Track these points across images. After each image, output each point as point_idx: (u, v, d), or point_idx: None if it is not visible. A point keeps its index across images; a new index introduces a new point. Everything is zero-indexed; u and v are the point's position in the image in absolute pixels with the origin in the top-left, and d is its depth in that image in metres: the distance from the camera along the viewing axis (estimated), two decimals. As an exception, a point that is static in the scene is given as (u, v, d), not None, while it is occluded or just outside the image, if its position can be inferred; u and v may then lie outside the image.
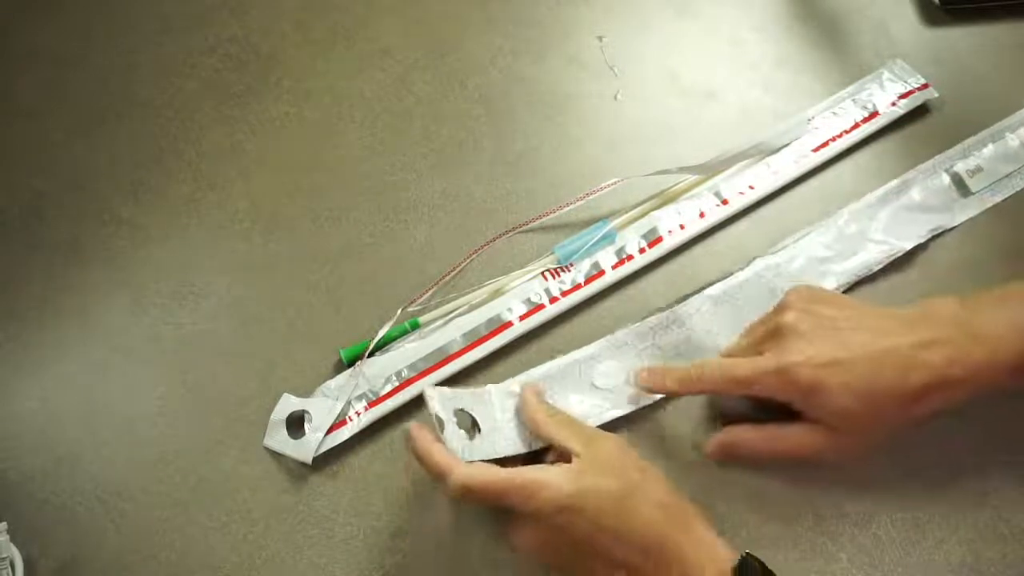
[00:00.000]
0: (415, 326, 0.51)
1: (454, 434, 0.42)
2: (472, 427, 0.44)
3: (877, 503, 0.45)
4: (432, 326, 0.51)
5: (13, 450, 0.48)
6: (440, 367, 0.49)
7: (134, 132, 0.58)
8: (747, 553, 0.39)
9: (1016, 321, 0.40)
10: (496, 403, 0.46)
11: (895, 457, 0.46)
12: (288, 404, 0.48)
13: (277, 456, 0.47)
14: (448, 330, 0.50)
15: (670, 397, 0.47)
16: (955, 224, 0.53)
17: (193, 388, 0.50)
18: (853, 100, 0.58)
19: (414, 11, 0.64)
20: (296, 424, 0.48)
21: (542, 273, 0.52)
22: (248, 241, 0.54)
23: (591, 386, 0.48)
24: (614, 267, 0.52)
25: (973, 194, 0.54)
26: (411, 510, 0.46)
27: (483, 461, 0.41)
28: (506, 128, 0.58)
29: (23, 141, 0.58)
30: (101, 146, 0.58)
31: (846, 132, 0.57)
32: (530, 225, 0.54)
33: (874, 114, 0.58)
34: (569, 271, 0.52)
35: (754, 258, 0.52)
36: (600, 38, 0.63)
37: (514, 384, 0.47)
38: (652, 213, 0.54)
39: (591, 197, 0.54)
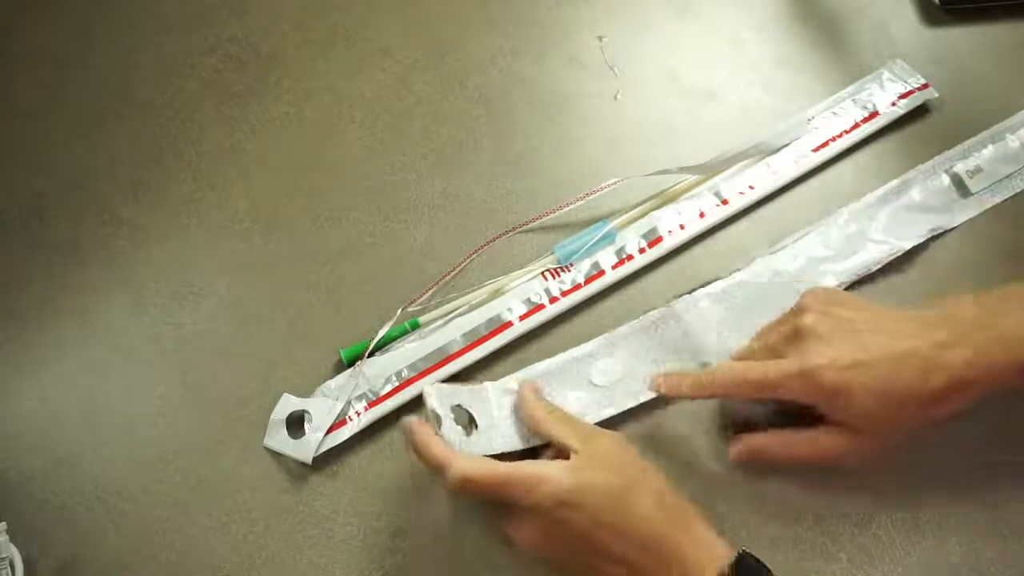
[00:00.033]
0: (415, 326, 0.51)
1: (451, 430, 0.43)
2: (469, 423, 0.44)
3: (877, 503, 0.45)
4: (432, 326, 0.51)
5: (13, 450, 0.48)
6: (440, 367, 0.49)
7: (134, 132, 0.58)
8: (744, 550, 0.39)
9: None
10: (493, 400, 0.46)
11: (895, 458, 0.46)
12: (288, 404, 0.48)
13: (277, 456, 0.47)
14: (448, 330, 0.50)
15: (676, 400, 0.47)
16: (955, 225, 0.53)
17: (193, 388, 0.50)
18: (853, 100, 0.58)
19: (414, 11, 0.64)
20: (296, 424, 0.48)
21: (542, 273, 0.52)
22: (248, 241, 0.54)
23: (589, 383, 0.48)
24: (614, 267, 0.52)
25: (973, 195, 0.54)
26: (411, 504, 0.46)
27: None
28: (506, 128, 0.58)
29: (23, 141, 0.58)
30: (101, 146, 0.58)
31: (846, 132, 0.57)
32: (530, 225, 0.54)
33: (874, 114, 0.58)
34: (569, 271, 0.52)
35: (753, 257, 0.52)
36: (600, 38, 0.63)
37: (511, 381, 0.47)
38: (652, 213, 0.54)
39: (591, 197, 0.54)
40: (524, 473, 0.39)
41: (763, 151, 0.56)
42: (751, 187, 0.55)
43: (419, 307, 0.51)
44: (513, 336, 0.50)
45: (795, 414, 0.44)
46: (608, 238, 0.53)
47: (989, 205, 0.54)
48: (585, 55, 0.62)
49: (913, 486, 0.45)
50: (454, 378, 0.49)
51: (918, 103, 0.58)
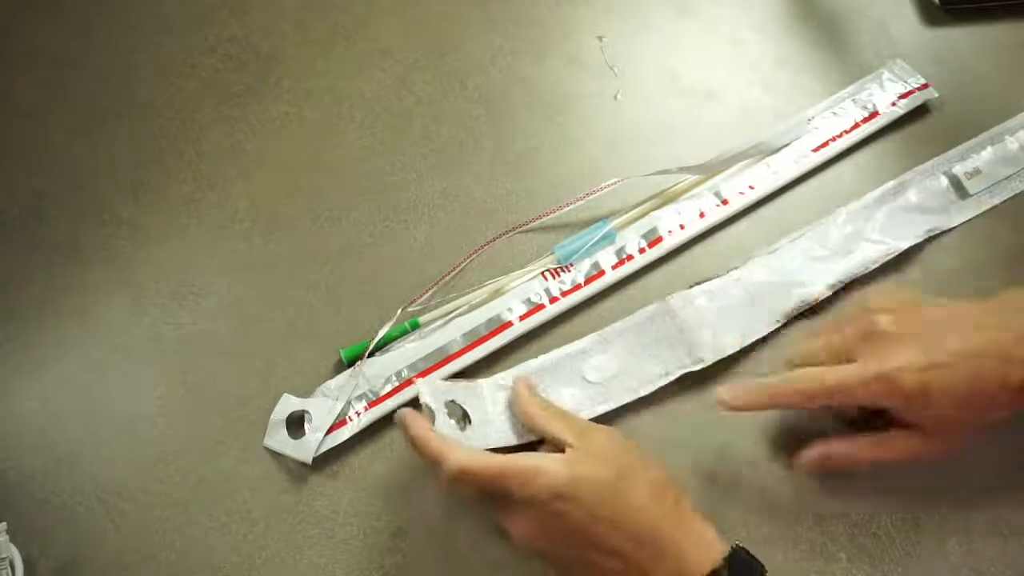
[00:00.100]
0: (415, 326, 0.51)
1: (444, 424, 0.43)
2: (463, 419, 0.44)
3: (877, 503, 0.45)
4: (432, 326, 0.51)
5: (13, 450, 0.48)
6: (440, 367, 0.49)
7: (134, 132, 0.58)
8: (737, 545, 0.39)
9: None
10: (487, 396, 0.46)
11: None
12: (288, 404, 0.48)
13: (277, 456, 0.47)
14: (448, 330, 0.50)
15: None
16: (952, 226, 0.53)
17: (193, 388, 0.50)
18: (853, 100, 0.58)
19: (414, 11, 0.64)
20: (296, 424, 0.48)
21: (542, 273, 0.52)
22: (248, 241, 0.54)
23: (583, 380, 0.48)
24: (614, 267, 0.52)
25: (971, 196, 0.54)
26: (407, 497, 0.46)
27: None
28: (506, 128, 0.58)
29: (23, 141, 0.58)
30: (101, 146, 0.58)
31: (846, 132, 0.57)
32: (530, 225, 0.54)
33: (874, 114, 0.58)
34: (569, 271, 0.52)
35: (751, 257, 0.52)
36: (600, 38, 0.63)
37: (506, 377, 0.47)
38: (652, 213, 0.54)
39: (591, 197, 0.54)
40: (520, 465, 0.39)
41: (763, 151, 0.56)
42: (751, 187, 0.55)
43: (419, 307, 0.51)
44: (513, 336, 0.50)
45: (853, 417, 0.44)
46: (608, 238, 0.53)
47: (987, 207, 0.54)
48: (585, 55, 0.62)
49: (913, 486, 0.45)
50: (454, 378, 0.49)
51: (918, 103, 0.58)
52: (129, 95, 0.60)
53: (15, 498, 0.46)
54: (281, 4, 0.64)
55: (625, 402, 0.47)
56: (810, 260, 0.52)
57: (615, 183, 0.54)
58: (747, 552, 0.39)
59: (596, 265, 0.52)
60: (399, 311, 0.51)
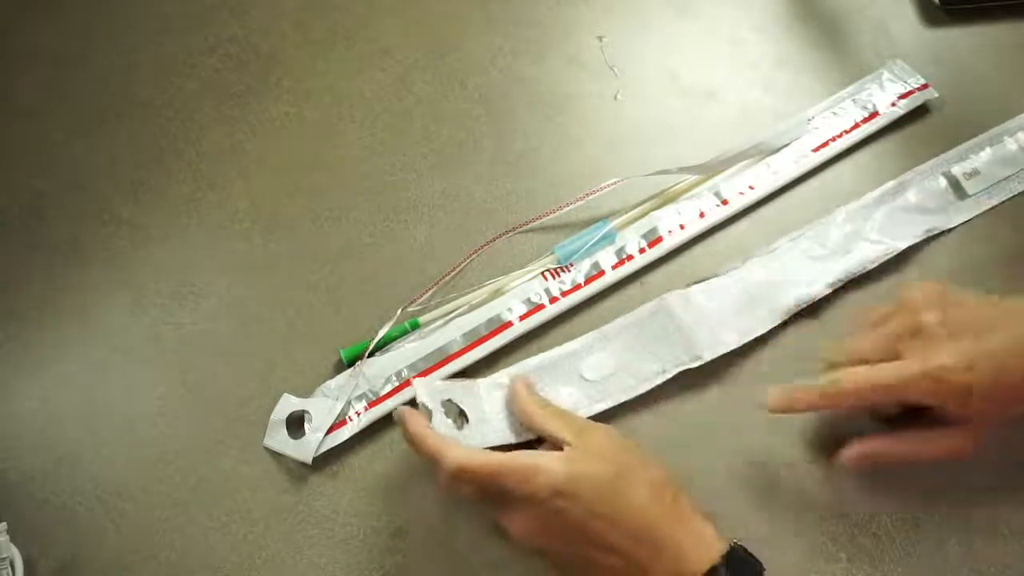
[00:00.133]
0: (415, 326, 0.51)
1: (441, 423, 0.43)
2: (459, 416, 0.44)
3: (877, 503, 0.45)
4: (432, 326, 0.51)
5: (13, 450, 0.48)
6: (440, 367, 0.49)
7: (134, 132, 0.58)
8: (736, 543, 0.39)
9: None
10: (484, 395, 0.46)
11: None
12: (288, 404, 0.48)
13: (277, 456, 0.47)
14: (448, 330, 0.50)
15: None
16: (951, 226, 0.53)
17: (193, 388, 0.50)
18: (853, 100, 0.58)
19: (414, 11, 0.64)
20: (296, 424, 0.48)
21: (542, 273, 0.52)
22: (248, 241, 0.54)
23: (580, 378, 0.48)
24: (614, 267, 0.52)
25: (970, 197, 0.54)
26: (406, 496, 0.46)
27: None
28: (506, 128, 0.58)
29: (23, 141, 0.58)
30: (101, 146, 0.58)
31: (846, 132, 0.57)
32: (530, 225, 0.54)
33: (874, 114, 0.58)
34: (569, 271, 0.52)
35: (750, 256, 0.52)
36: (600, 38, 0.63)
37: (503, 376, 0.47)
38: (652, 213, 0.54)
39: (591, 197, 0.54)
40: (518, 463, 0.39)
41: (763, 151, 0.56)
42: (751, 187, 0.55)
43: (419, 307, 0.51)
44: (513, 336, 0.50)
45: (891, 415, 0.44)
46: (608, 238, 0.53)
47: (986, 207, 0.54)
48: (585, 55, 0.62)
49: (913, 486, 0.45)
50: (452, 378, 0.49)
51: (918, 103, 0.58)
52: (129, 95, 0.60)
53: (15, 498, 0.46)
54: (281, 4, 0.64)
55: (623, 400, 0.47)
56: (809, 260, 0.52)
57: (615, 183, 0.54)
58: (746, 551, 0.39)
59: (596, 265, 0.52)
60: (399, 311, 0.51)
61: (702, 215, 0.54)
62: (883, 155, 0.57)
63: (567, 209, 0.54)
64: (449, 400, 0.45)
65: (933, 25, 0.62)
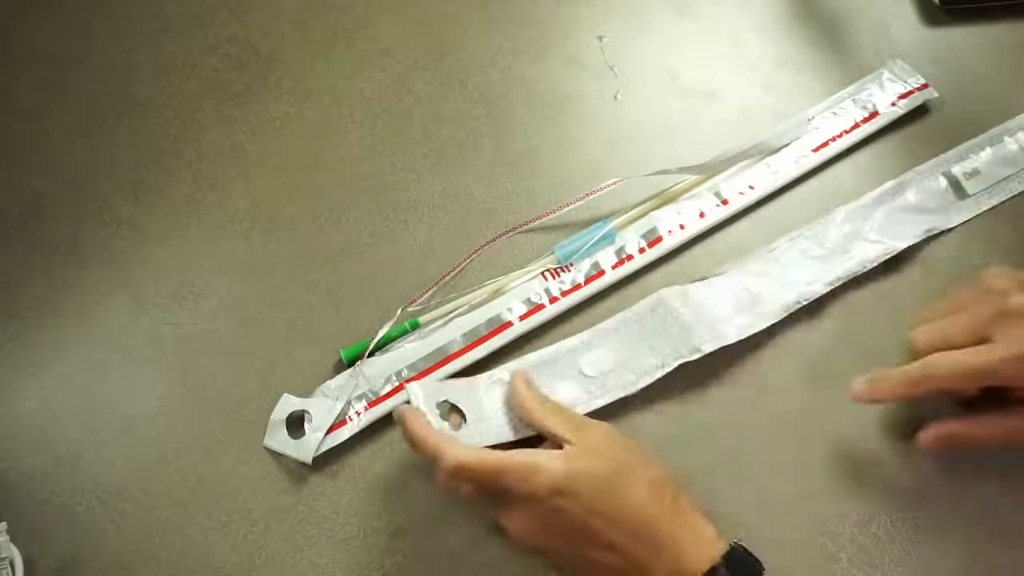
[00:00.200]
0: (415, 326, 0.51)
1: (437, 425, 0.43)
2: (456, 416, 0.44)
3: (877, 503, 0.45)
4: (432, 326, 0.51)
5: (13, 450, 0.48)
6: (440, 367, 0.49)
7: (134, 132, 0.58)
8: (736, 543, 0.39)
9: None
10: (483, 392, 0.46)
11: (895, 457, 0.46)
12: (288, 404, 0.48)
13: (277, 456, 0.47)
14: (448, 330, 0.50)
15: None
16: (951, 226, 0.53)
17: (193, 388, 0.50)
18: (853, 100, 0.58)
19: (414, 11, 0.64)
20: (296, 424, 0.48)
21: (542, 273, 0.52)
22: (248, 241, 0.54)
23: (580, 374, 0.48)
24: (614, 267, 0.52)
25: (970, 196, 0.54)
26: (410, 498, 0.46)
27: None
28: (506, 128, 0.59)
29: (23, 141, 0.58)
30: (101, 146, 0.58)
31: (846, 132, 0.57)
32: (530, 225, 0.54)
33: (874, 114, 0.58)
34: (569, 271, 0.52)
35: (750, 256, 0.52)
36: (600, 38, 0.63)
37: (503, 372, 0.47)
38: (652, 213, 0.54)
39: (591, 197, 0.54)
40: (518, 461, 0.39)
41: (763, 151, 0.56)
42: (751, 187, 0.55)
43: (419, 307, 0.51)
44: (513, 336, 0.50)
45: (969, 398, 0.44)
46: (608, 238, 0.53)
47: (986, 207, 0.54)
48: (585, 55, 0.62)
49: (913, 486, 0.45)
50: (453, 378, 0.49)
51: (918, 103, 0.58)
52: (129, 95, 0.60)
53: (15, 498, 0.46)
54: (281, 4, 0.64)
55: (622, 396, 0.47)
56: (808, 259, 0.52)
57: (615, 183, 0.54)
58: (746, 551, 0.39)
59: (596, 265, 0.52)
60: (399, 311, 0.51)
61: (702, 215, 0.54)
62: (883, 155, 0.57)
63: (567, 209, 0.54)
64: (445, 401, 0.45)
65: (933, 25, 0.63)
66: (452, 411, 0.45)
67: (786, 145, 0.57)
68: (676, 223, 0.54)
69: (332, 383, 0.49)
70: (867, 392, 0.44)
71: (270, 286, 0.53)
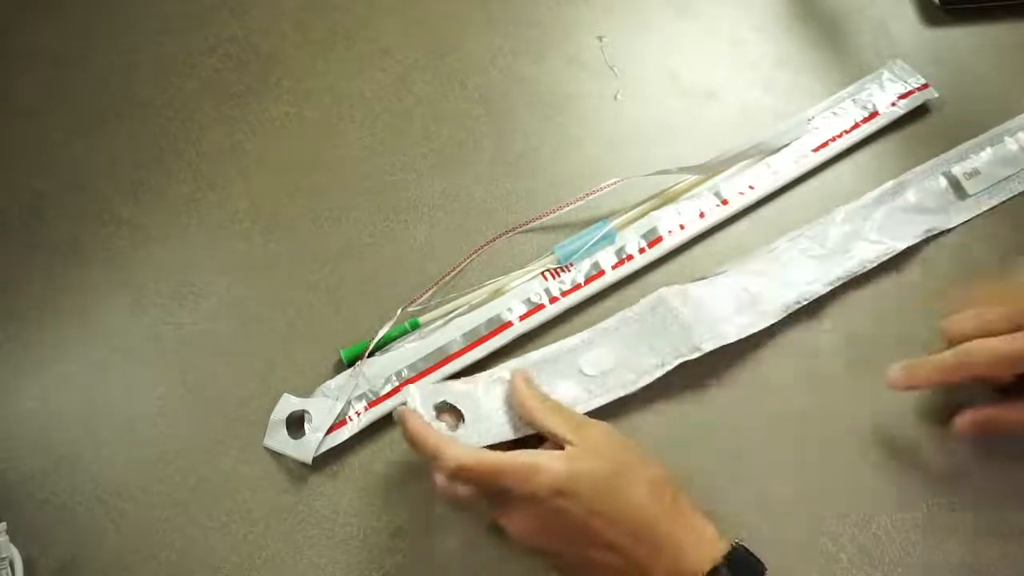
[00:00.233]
0: (415, 326, 0.51)
1: (434, 427, 0.43)
2: (454, 416, 0.44)
3: (877, 503, 0.45)
4: (432, 326, 0.51)
5: (13, 450, 0.48)
6: (440, 367, 0.49)
7: (134, 132, 0.58)
8: (737, 543, 0.39)
9: None
10: (483, 391, 0.46)
11: (895, 457, 0.46)
12: (288, 404, 0.48)
13: (277, 456, 0.47)
14: (448, 330, 0.50)
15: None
16: (951, 226, 0.53)
17: (193, 388, 0.50)
18: (853, 100, 0.58)
19: (414, 11, 0.64)
20: (296, 424, 0.48)
21: (542, 273, 0.52)
22: (248, 241, 0.54)
23: (579, 373, 0.48)
24: (614, 267, 0.52)
25: (970, 196, 0.54)
26: (410, 498, 0.46)
27: None
28: (506, 128, 0.59)
29: (23, 141, 0.58)
30: (101, 146, 0.58)
31: (846, 132, 0.57)
32: (530, 225, 0.54)
33: (874, 114, 0.58)
34: (569, 271, 0.52)
35: (750, 256, 0.52)
36: (600, 38, 0.63)
37: (503, 371, 0.47)
38: (652, 213, 0.54)
39: (591, 197, 0.54)
40: (519, 462, 0.39)
41: (763, 151, 0.56)
42: (751, 187, 0.55)
43: (419, 307, 0.51)
44: (513, 336, 0.50)
45: (1005, 384, 0.44)
46: (608, 238, 0.53)
47: (986, 207, 0.54)
48: (585, 55, 0.62)
49: (913, 486, 0.45)
50: (454, 378, 0.49)
51: (918, 103, 0.58)
52: (129, 95, 0.60)
53: (15, 498, 0.46)
54: (281, 4, 0.64)
55: (622, 395, 0.47)
56: (808, 259, 0.52)
57: (615, 183, 0.54)
58: (747, 551, 0.39)
59: (596, 265, 0.52)
60: (399, 311, 0.51)
61: (702, 215, 0.54)
62: (883, 155, 0.57)
63: (567, 209, 0.54)
64: (443, 402, 0.45)
65: (933, 25, 0.63)
66: (450, 411, 0.45)
67: (786, 145, 0.57)
68: (676, 223, 0.54)
69: (332, 383, 0.49)
70: (904, 379, 0.44)
71: (270, 286, 0.53)
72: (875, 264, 0.51)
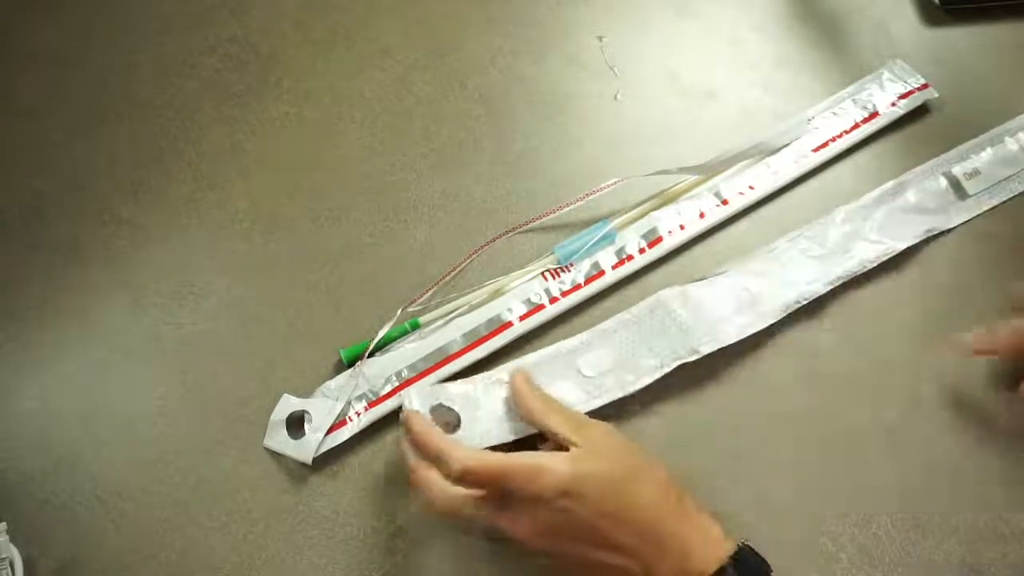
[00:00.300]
0: (415, 326, 0.51)
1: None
2: (454, 418, 0.44)
3: (877, 503, 0.45)
4: (432, 326, 0.51)
5: (13, 450, 0.48)
6: (440, 367, 0.49)
7: (134, 132, 0.58)
8: (744, 543, 0.39)
9: None
10: (481, 393, 0.46)
11: (896, 456, 0.46)
12: (288, 404, 0.48)
13: (277, 456, 0.47)
14: (448, 330, 0.50)
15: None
16: (951, 226, 0.53)
17: (193, 388, 0.50)
18: (853, 100, 0.58)
19: (414, 11, 0.64)
20: (296, 424, 0.48)
21: (542, 273, 0.52)
22: (248, 241, 0.54)
23: (578, 374, 0.48)
24: (614, 267, 0.52)
25: (970, 197, 0.54)
26: (410, 498, 0.46)
27: None
28: (506, 128, 0.58)
29: (23, 141, 0.58)
30: (101, 146, 0.58)
31: (846, 132, 0.57)
32: (530, 225, 0.54)
33: (874, 114, 0.58)
34: (569, 271, 0.52)
35: (750, 256, 0.52)
36: (600, 38, 0.63)
37: (502, 372, 0.47)
38: (652, 213, 0.54)
39: (591, 197, 0.54)
40: (523, 463, 0.39)
41: (763, 151, 0.56)
42: (751, 187, 0.55)
43: (419, 307, 0.51)
44: (513, 336, 0.50)
45: None
46: (608, 238, 0.53)
47: (987, 207, 0.54)
48: (585, 55, 0.62)
49: (913, 486, 0.45)
50: (453, 379, 0.49)
51: (918, 103, 0.58)
52: (129, 95, 0.60)
53: (15, 498, 0.46)
54: (281, 4, 0.64)
55: (620, 396, 0.47)
56: (808, 259, 0.52)
57: (615, 183, 0.54)
58: (753, 551, 0.39)
59: (596, 265, 0.52)
60: (399, 311, 0.51)
61: (702, 215, 0.54)
62: (883, 155, 0.57)
63: (567, 209, 0.54)
64: (440, 403, 0.45)
65: (933, 25, 0.63)
66: (445, 417, 0.45)
67: (786, 145, 0.57)
68: (676, 223, 0.54)
69: (332, 383, 0.49)
70: (981, 343, 0.45)
71: (270, 286, 0.53)
72: (875, 264, 0.51)
